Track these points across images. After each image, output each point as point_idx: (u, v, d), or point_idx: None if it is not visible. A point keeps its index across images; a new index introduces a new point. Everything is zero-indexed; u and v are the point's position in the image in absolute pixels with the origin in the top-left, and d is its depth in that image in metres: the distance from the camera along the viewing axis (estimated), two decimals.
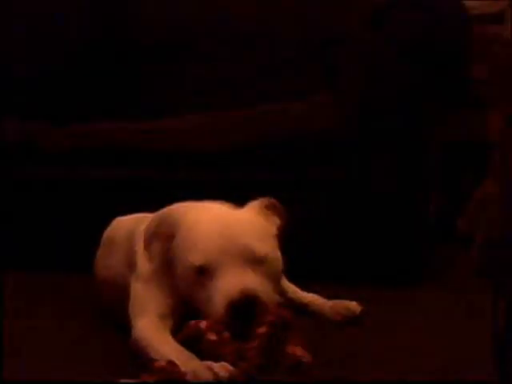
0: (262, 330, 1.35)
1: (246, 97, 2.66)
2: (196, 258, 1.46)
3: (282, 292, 1.88)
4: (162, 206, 1.66)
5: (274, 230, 1.56)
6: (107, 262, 1.80)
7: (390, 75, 2.25)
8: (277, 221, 1.58)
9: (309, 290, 1.91)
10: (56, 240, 2.43)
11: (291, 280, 1.90)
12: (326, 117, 2.31)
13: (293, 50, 2.81)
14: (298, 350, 1.38)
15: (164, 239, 1.54)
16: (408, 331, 1.77)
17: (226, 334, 1.37)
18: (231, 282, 1.42)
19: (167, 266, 1.53)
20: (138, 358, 1.44)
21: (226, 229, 1.48)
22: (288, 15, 2.87)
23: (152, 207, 1.69)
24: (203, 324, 1.40)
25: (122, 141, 2.44)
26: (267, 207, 1.57)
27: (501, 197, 2.25)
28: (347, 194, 2.26)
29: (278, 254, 1.53)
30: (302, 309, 1.87)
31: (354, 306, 1.84)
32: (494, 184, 2.38)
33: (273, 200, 1.59)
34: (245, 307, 1.39)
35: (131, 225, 1.74)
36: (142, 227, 1.62)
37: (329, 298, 1.88)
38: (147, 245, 1.56)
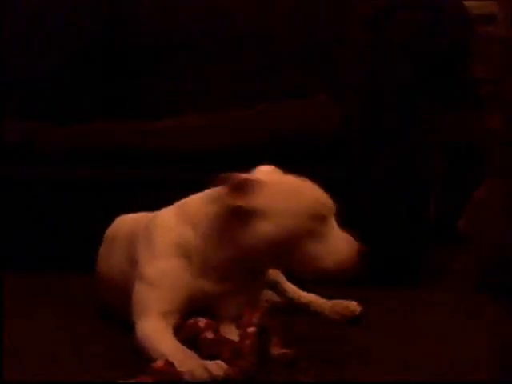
0: (251, 329, 1.36)
1: (245, 97, 2.66)
2: (315, 206, 1.51)
3: (282, 292, 1.89)
4: (162, 206, 1.66)
5: None
6: (109, 259, 1.80)
7: (390, 75, 2.25)
8: None
9: (309, 290, 1.91)
10: (56, 240, 2.43)
11: (291, 280, 1.89)
12: (326, 117, 2.31)
13: (293, 49, 2.81)
14: (284, 349, 1.39)
15: (241, 194, 1.50)
16: (408, 331, 1.77)
17: (223, 333, 1.38)
18: (349, 237, 1.54)
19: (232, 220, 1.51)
20: (141, 356, 1.44)
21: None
22: (288, 15, 2.87)
23: (152, 207, 1.69)
24: (202, 322, 1.41)
25: (122, 141, 2.44)
26: None
27: (501, 197, 2.25)
28: (347, 194, 2.26)
29: None
30: (301, 309, 1.87)
31: (353, 305, 1.84)
32: (494, 184, 2.38)
33: None
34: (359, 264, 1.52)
35: (133, 223, 1.74)
36: (143, 226, 1.63)
37: (329, 298, 1.88)
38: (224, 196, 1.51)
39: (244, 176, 1.53)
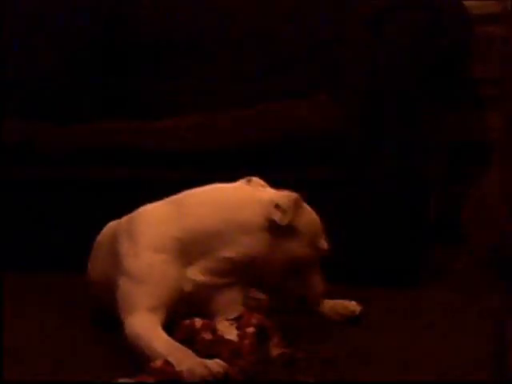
0: (249, 330, 1.36)
1: (246, 97, 2.66)
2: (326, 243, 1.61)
3: None
4: None
5: None
6: (95, 264, 1.80)
7: (390, 75, 2.25)
8: None
9: None
10: (56, 240, 2.43)
11: None
12: (326, 117, 2.31)
13: (293, 50, 2.81)
14: (285, 349, 1.39)
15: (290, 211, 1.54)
16: (408, 331, 1.77)
17: (221, 333, 1.38)
18: None
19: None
20: (133, 354, 1.43)
21: None
22: (288, 15, 2.87)
23: None
24: (198, 323, 1.41)
25: (122, 141, 2.44)
26: None
27: (501, 197, 2.25)
28: (347, 194, 2.26)
29: None
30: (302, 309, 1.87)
31: (353, 305, 1.84)
32: (493, 184, 2.38)
33: None
34: None
35: (114, 227, 1.73)
36: (124, 221, 1.65)
37: (329, 298, 1.88)
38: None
39: (295, 194, 1.57)
